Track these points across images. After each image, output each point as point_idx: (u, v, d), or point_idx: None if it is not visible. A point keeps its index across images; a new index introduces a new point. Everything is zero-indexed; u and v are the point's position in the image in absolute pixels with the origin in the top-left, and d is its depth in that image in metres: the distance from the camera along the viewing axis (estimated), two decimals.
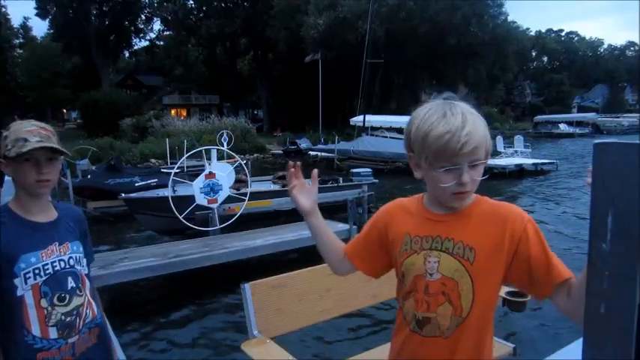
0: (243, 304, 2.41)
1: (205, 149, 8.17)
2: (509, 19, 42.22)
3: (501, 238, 1.17)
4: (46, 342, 1.48)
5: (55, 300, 1.51)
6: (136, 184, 11.21)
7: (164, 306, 5.66)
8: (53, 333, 1.50)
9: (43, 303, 1.49)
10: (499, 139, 23.69)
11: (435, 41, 35.08)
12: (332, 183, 10.53)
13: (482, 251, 1.18)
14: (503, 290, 2.63)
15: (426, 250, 1.24)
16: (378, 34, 31.38)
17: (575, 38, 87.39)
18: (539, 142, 35.19)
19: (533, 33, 77.01)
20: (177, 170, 7.77)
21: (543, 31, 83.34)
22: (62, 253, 1.56)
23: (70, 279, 1.56)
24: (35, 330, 1.47)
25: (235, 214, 7.37)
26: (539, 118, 53.87)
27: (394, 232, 1.33)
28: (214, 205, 7.10)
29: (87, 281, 1.64)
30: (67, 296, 1.55)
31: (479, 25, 35.53)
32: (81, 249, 1.64)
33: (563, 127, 48.45)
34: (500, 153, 22.42)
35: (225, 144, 14.44)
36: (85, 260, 1.65)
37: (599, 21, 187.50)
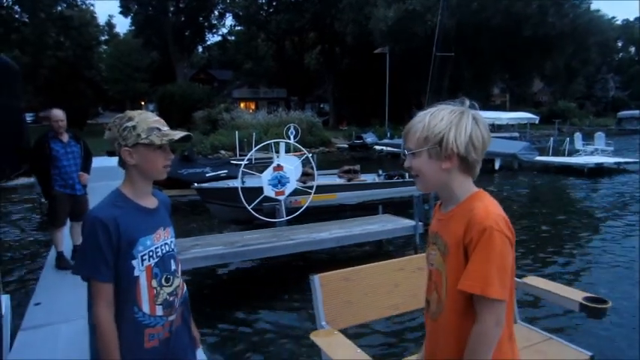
0: (311, 295, 2.47)
1: (274, 142, 8.34)
2: (593, 7, 39.48)
3: (462, 236, 1.31)
4: (153, 319, 1.61)
5: (162, 281, 1.64)
6: (207, 175, 11.65)
7: (232, 293, 5.87)
8: (159, 311, 1.62)
9: (154, 283, 1.62)
10: (577, 136, 22.31)
11: (508, 33, 33.55)
12: (398, 178, 10.41)
13: (451, 246, 1.35)
14: (581, 296, 2.51)
15: (431, 244, 1.48)
16: (448, 26, 30.47)
17: None
18: (624, 140, 32.81)
19: (619, 22, 71.66)
20: (247, 162, 8.00)
21: (631, 19, 77.32)
22: (166, 237, 1.69)
23: (172, 261, 1.70)
24: (146, 308, 1.59)
25: (302, 207, 7.48)
26: (623, 113, 50.05)
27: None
28: (282, 197, 7.25)
29: (180, 263, 1.78)
30: (171, 277, 1.68)
31: (557, 15, 33.51)
32: (174, 233, 1.77)
33: None
34: (578, 151, 21.14)
35: (292, 137, 14.70)
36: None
37: None
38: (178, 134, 1.64)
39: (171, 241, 1.71)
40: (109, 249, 1.51)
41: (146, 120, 1.60)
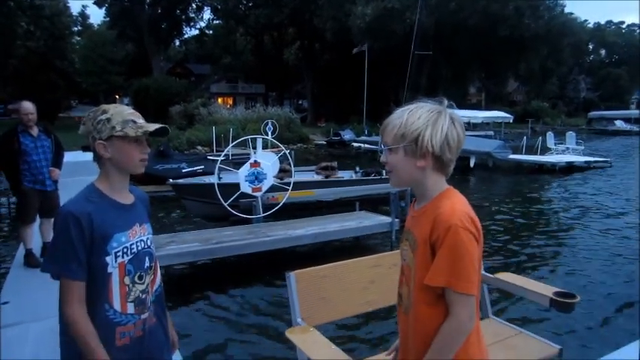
0: (287, 292, 2.47)
1: (251, 138, 8.28)
2: (566, 10, 40.42)
3: (429, 234, 1.34)
4: (124, 317, 1.57)
5: (135, 278, 1.60)
6: (183, 170, 11.53)
7: (207, 291, 5.81)
8: (131, 308, 1.58)
9: (126, 280, 1.57)
10: (550, 135, 22.83)
11: (485, 33, 34.08)
12: (375, 175, 10.47)
13: (419, 242, 1.39)
14: (551, 291, 2.57)
15: (404, 240, 1.52)
16: (427, 25, 30.79)
17: (637, 31, 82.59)
18: (593, 139, 33.69)
19: (591, 25, 73.49)
20: (223, 158, 7.93)
21: (602, 23, 79.41)
22: (142, 234, 1.65)
23: (147, 259, 1.66)
24: (117, 305, 1.55)
25: (278, 203, 7.45)
26: (593, 114, 51.53)
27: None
28: (258, 194, 7.20)
29: (157, 261, 1.75)
30: (144, 275, 1.64)
31: (533, 16, 34.20)
32: (151, 230, 1.74)
33: (619, 124, 46.12)
34: (550, 150, 21.62)
35: (269, 133, 14.62)
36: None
37: None
38: (154, 126, 1.60)
39: (148, 238, 1.68)
40: (82, 245, 1.47)
41: (121, 113, 1.57)
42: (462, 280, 1.28)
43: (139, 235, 1.64)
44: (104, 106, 1.59)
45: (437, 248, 1.32)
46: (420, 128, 1.35)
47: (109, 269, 1.53)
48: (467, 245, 1.29)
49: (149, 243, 1.68)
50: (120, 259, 1.55)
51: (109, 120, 1.54)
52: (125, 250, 1.57)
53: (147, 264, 1.66)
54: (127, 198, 1.66)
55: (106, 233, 1.52)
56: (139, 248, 1.63)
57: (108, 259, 1.53)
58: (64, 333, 1.54)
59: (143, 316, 1.63)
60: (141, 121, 1.60)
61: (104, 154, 1.56)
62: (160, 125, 1.64)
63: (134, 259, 1.60)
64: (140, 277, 1.62)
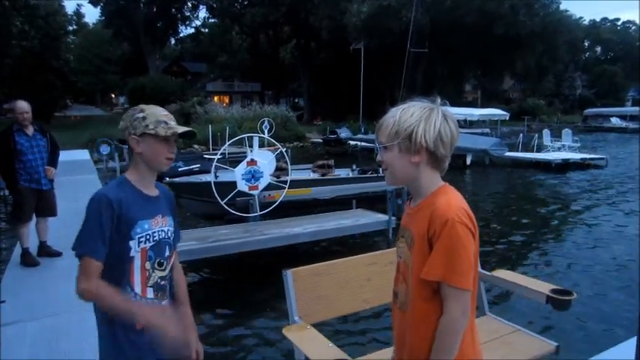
0: (284, 290, 2.47)
1: (247, 136, 8.27)
2: (562, 7, 40.47)
3: (426, 229, 1.35)
4: (144, 300, 1.69)
5: (155, 264, 1.73)
6: (180, 169, 11.48)
7: (204, 290, 5.82)
8: (150, 293, 1.71)
9: (147, 265, 1.70)
10: (546, 132, 22.87)
11: (481, 31, 34.10)
12: (371, 173, 10.47)
13: (416, 238, 1.40)
14: (548, 288, 2.58)
15: (400, 237, 1.53)
16: (423, 23, 30.79)
17: (633, 28, 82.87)
18: (589, 137, 33.80)
19: (586, 22, 73.61)
20: (220, 156, 7.90)
21: (598, 20, 79.60)
22: (164, 225, 1.77)
23: (167, 248, 1.78)
24: (137, 288, 1.68)
25: (275, 201, 7.44)
26: (589, 111, 51.63)
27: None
28: (255, 192, 7.19)
29: (174, 252, 1.86)
30: (164, 263, 1.77)
31: (528, 14, 34.23)
32: (173, 224, 1.84)
33: (615, 121, 46.21)
34: (546, 147, 21.67)
35: (266, 132, 14.61)
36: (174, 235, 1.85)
37: None
38: (182, 129, 1.74)
39: (169, 230, 1.78)
40: (109, 228, 1.58)
41: (155, 113, 1.72)
42: (456, 274, 1.29)
43: (161, 225, 1.75)
44: (142, 106, 1.76)
45: (434, 243, 1.32)
46: (413, 124, 1.38)
47: (132, 253, 1.65)
48: (463, 240, 1.29)
49: (169, 234, 1.79)
50: (142, 245, 1.67)
51: (144, 118, 1.69)
52: (148, 236, 1.69)
53: (167, 253, 1.77)
54: (152, 191, 1.78)
55: (131, 219, 1.64)
56: (160, 237, 1.74)
57: (131, 243, 1.65)
58: (101, 324, 1.65)
59: (163, 302, 1.75)
60: (172, 123, 1.74)
61: (136, 148, 1.70)
62: (188, 129, 1.77)
63: (155, 246, 1.71)
64: (160, 264, 1.74)
